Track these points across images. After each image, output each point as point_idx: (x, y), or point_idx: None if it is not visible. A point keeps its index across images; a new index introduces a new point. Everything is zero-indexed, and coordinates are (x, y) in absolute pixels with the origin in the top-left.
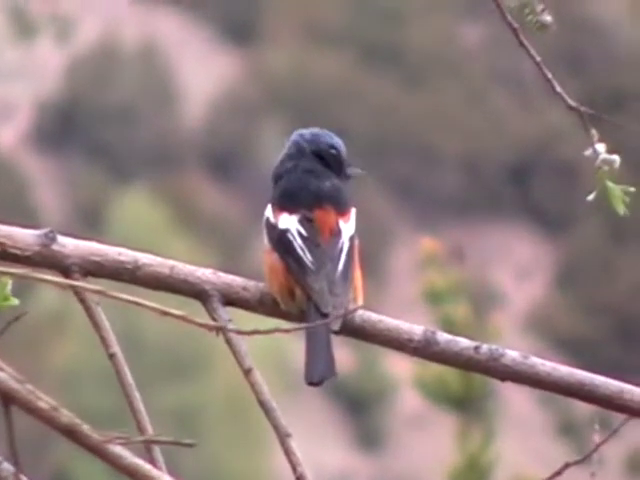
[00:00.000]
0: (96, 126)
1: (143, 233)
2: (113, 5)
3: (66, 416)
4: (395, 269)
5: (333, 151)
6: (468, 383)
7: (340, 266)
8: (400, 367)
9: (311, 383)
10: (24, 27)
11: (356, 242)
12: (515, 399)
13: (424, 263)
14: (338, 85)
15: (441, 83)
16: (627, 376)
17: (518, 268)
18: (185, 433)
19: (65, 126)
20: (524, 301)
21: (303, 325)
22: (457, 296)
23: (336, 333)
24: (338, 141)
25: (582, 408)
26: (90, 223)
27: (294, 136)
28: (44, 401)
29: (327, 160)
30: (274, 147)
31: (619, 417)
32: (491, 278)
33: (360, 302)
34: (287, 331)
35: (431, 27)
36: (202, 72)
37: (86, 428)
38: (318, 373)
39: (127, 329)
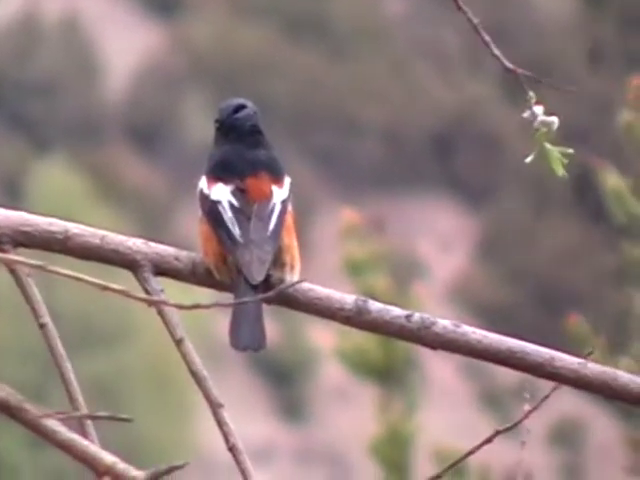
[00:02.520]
0: (18, 98)
1: (62, 204)
2: None
3: (2, 391)
4: (318, 240)
5: (253, 119)
6: (390, 354)
7: (270, 226)
8: (323, 339)
9: (237, 349)
10: None
11: (289, 207)
12: (438, 370)
13: (344, 234)
14: (262, 56)
15: (363, 54)
16: (550, 343)
17: (441, 239)
18: (107, 404)
19: None
20: (447, 272)
21: (243, 299)
22: (378, 267)
23: (268, 302)
24: (251, 106)
25: (505, 379)
26: (10, 194)
27: (221, 114)
28: None
29: (252, 128)
30: (197, 119)
31: (544, 388)
32: (414, 249)
33: (297, 271)
34: (227, 305)
35: None
36: (125, 44)
37: (24, 403)
38: (244, 341)
39: (48, 300)
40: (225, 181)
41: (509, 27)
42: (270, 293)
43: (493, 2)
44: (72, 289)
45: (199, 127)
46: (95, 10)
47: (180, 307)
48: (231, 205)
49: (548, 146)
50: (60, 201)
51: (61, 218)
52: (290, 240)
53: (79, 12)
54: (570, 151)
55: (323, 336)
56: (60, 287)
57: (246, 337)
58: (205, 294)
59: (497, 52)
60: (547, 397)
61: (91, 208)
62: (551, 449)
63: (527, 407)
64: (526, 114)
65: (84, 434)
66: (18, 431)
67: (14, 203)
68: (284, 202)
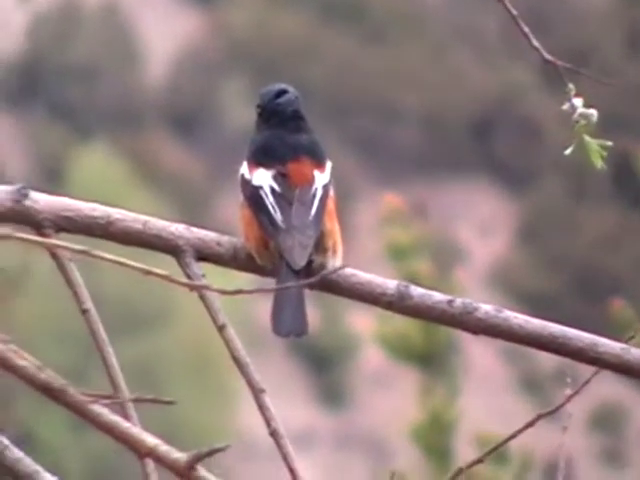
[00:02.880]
0: (58, 84)
1: (104, 190)
2: None
3: (46, 374)
4: (359, 226)
5: (296, 104)
6: (431, 339)
7: (312, 210)
8: (363, 324)
9: (279, 335)
10: None
11: (331, 192)
12: (478, 356)
13: (387, 219)
14: (300, 42)
15: (403, 40)
16: (590, 329)
17: (480, 224)
18: (147, 387)
19: (27, 84)
20: (487, 257)
21: (284, 285)
22: (420, 252)
23: (310, 288)
24: (293, 91)
25: (545, 364)
26: (52, 180)
27: (262, 98)
28: (27, 360)
29: (295, 113)
30: (235, 104)
31: (584, 373)
32: (454, 234)
33: (340, 256)
34: (269, 291)
35: None
36: (164, 30)
37: (69, 387)
38: (286, 326)
39: (89, 284)
40: (266, 166)
41: (548, 15)
42: (313, 279)
43: None
44: (114, 274)
45: (238, 113)
46: None
47: (223, 292)
48: (272, 190)
49: (587, 138)
50: (101, 187)
51: (102, 203)
52: (332, 225)
53: None
54: (609, 144)
55: (363, 322)
56: (102, 272)
57: (288, 323)
58: (246, 279)
59: (536, 43)
60: (588, 381)
61: (132, 194)
62: (592, 434)
63: (568, 391)
64: (565, 106)
65: (126, 417)
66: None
67: (55, 189)
68: (326, 187)
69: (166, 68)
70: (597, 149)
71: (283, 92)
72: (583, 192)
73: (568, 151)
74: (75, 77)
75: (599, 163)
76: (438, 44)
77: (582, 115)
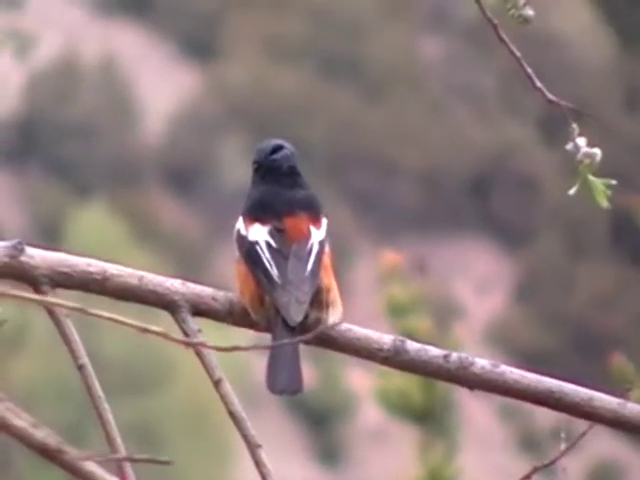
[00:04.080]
0: (56, 142)
1: (102, 248)
2: (73, 21)
3: (41, 433)
4: (356, 283)
5: (291, 160)
6: (429, 396)
7: (309, 266)
8: (361, 381)
9: (273, 392)
10: None
11: (327, 248)
12: (476, 413)
13: (386, 276)
14: (298, 99)
15: (400, 97)
16: (589, 386)
17: (478, 281)
18: (147, 446)
19: (25, 142)
20: (484, 314)
21: (281, 342)
22: (419, 309)
23: (306, 343)
24: (289, 146)
25: (543, 422)
26: (49, 238)
27: (259, 154)
28: (21, 418)
29: (291, 170)
30: (234, 162)
31: (579, 429)
32: (451, 291)
33: (338, 311)
34: (266, 347)
35: (390, 40)
36: (162, 87)
37: (63, 445)
38: (281, 384)
39: (85, 342)
40: (263, 221)
41: (545, 70)
42: (309, 335)
43: (528, 45)
44: (109, 332)
45: (236, 170)
46: (133, 52)
47: (219, 349)
48: (268, 245)
49: (591, 178)
50: (99, 245)
51: (100, 259)
52: (329, 280)
53: (117, 55)
54: (613, 182)
55: (360, 379)
56: (98, 330)
57: (283, 380)
58: (243, 335)
59: (539, 84)
60: (584, 435)
61: (130, 251)
62: None
63: (563, 446)
64: (569, 146)
65: (123, 476)
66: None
67: (55, 247)
68: (322, 242)
69: (164, 125)
70: (602, 188)
71: (279, 148)
72: (581, 249)
73: (573, 190)
74: (73, 135)
75: (604, 202)
76: (436, 101)
77: (586, 154)
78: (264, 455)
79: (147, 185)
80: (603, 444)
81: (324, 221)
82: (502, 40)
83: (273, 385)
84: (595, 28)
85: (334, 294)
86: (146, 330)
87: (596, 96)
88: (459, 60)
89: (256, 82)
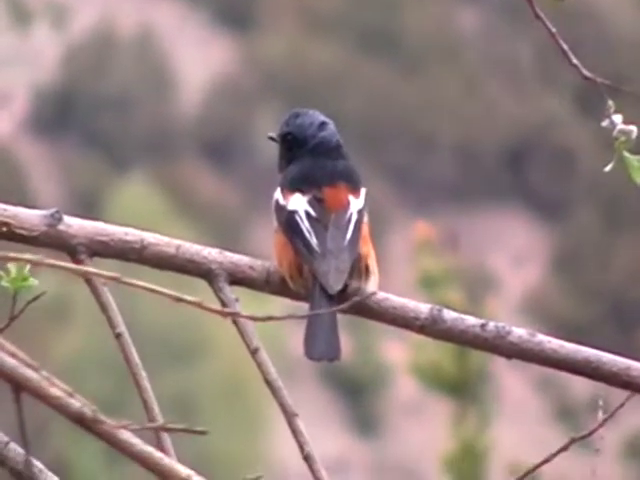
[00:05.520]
0: (93, 113)
1: (141, 220)
2: None
3: (77, 403)
4: (393, 254)
5: (331, 131)
6: (463, 368)
7: (348, 235)
8: (397, 353)
9: (311, 359)
10: (20, 15)
11: (365, 217)
12: (511, 384)
13: (418, 248)
14: (334, 72)
15: (437, 70)
16: (624, 357)
17: (514, 253)
18: (184, 416)
19: (62, 113)
20: (520, 286)
21: (316, 311)
22: (451, 281)
23: (343, 312)
24: (326, 119)
25: (579, 393)
26: (87, 210)
27: (292, 120)
28: (58, 387)
29: (329, 141)
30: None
31: (615, 402)
32: (488, 263)
33: (375, 280)
34: (302, 317)
35: (427, 14)
36: (198, 59)
37: (99, 414)
38: (318, 351)
39: (124, 312)
40: (303, 191)
41: (583, 44)
42: (345, 305)
43: (566, 18)
44: (148, 302)
45: (272, 142)
46: (169, 24)
47: (253, 319)
48: (308, 215)
49: (627, 155)
50: (137, 217)
51: (137, 229)
52: (367, 249)
53: (153, 27)
54: None
55: (396, 350)
56: (136, 300)
57: (321, 347)
58: (281, 304)
59: (575, 61)
60: (622, 405)
61: (168, 223)
62: (626, 463)
63: (601, 416)
64: (605, 123)
65: (160, 446)
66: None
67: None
68: (360, 211)
69: (200, 97)
70: (638, 165)
71: (324, 124)
72: (618, 222)
73: (608, 167)
74: (109, 107)
75: (639, 179)
76: (473, 74)
77: (622, 131)
78: (301, 424)
79: (184, 157)
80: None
81: (363, 191)
82: (537, 16)
83: (311, 352)
84: (633, 1)
85: (372, 263)
86: (180, 299)
87: (634, 70)
88: (496, 33)
89: (292, 54)
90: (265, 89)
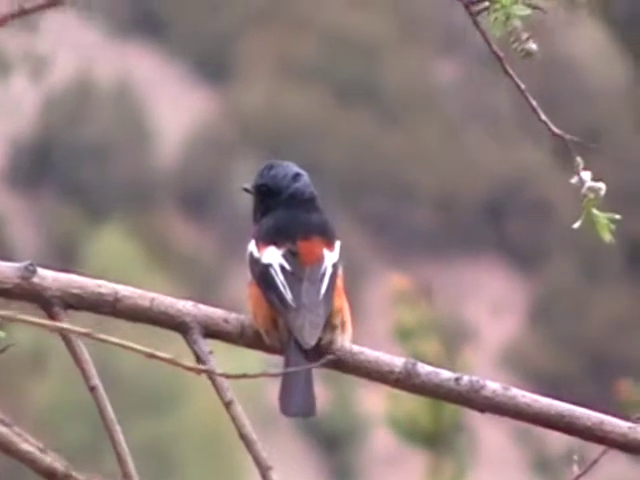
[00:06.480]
0: (71, 164)
1: (118, 271)
2: (87, 43)
3: (48, 458)
4: (369, 305)
5: (305, 183)
6: (439, 419)
7: (322, 289)
8: (374, 405)
9: (287, 415)
10: None
11: (340, 271)
12: (489, 435)
13: (394, 300)
14: (313, 122)
15: (416, 120)
16: (602, 411)
17: (492, 304)
18: (160, 468)
19: (40, 164)
20: (498, 337)
21: (290, 369)
22: (427, 332)
23: (321, 365)
24: (302, 173)
25: (556, 444)
26: (65, 261)
27: (260, 179)
28: (30, 443)
29: (303, 193)
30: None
31: (593, 453)
32: (465, 314)
33: (349, 334)
34: (274, 375)
35: (405, 64)
36: (176, 109)
37: (70, 470)
38: (294, 407)
39: (98, 362)
40: (277, 244)
41: (558, 94)
42: (320, 362)
43: (543, 69)
44: (123, 353)
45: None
46: (147, 75)
47: (227, 376)
48: (282, 268)
49: (595, 212)
50: (115, 267)
51: (111, 281)
52: (341, 302)
53: (131, 77)
54: (617, 217)
55: (373, 402)
56: (112, 351)
57: (296, 403)
58: (256, 356)
59: (544, 117)
60: (596, 461)
61: (145, 273)
62: None
63: (576, 470)
64: (574, 180)
65: None
66: None
67: (70, 270)
68: (335, 265)
69: (178, 147)
70: (605, 222)
71: (298, 175)
72: (595, 272)
73: (577, 224)
74: (87, 157)
75: (607, 237)
76: (452, 125)
77: (590, 188)
78: (275, 477)
79: (161, 207)
80: (617, 467)
81: (337, 244)
82: (507, 73)
83: (286, 408)
84: (609, 51)
85: (346, 316)
86: (153, 356)
87: (611, 119)
88: (475, 83)
89: (271, 104)
90: (243, 140)
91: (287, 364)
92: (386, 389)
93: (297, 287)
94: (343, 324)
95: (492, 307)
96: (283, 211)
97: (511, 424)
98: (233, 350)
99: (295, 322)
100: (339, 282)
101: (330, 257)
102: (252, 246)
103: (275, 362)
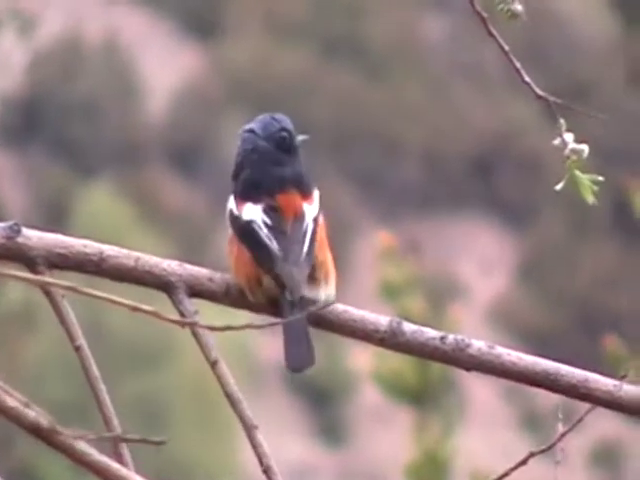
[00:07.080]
0: (59, 121)
1: (107, 228)
2: (75, 0)
3: (33, 413)
4: (357, 262)
5: (284, 134)
6: (425, 376)
7: (305, 248)
8: (362, 361)
9: (294, 370)
10: None
11: (321, 222)
12: (478, 392)
13: (380, 257)
14: (300, 78)
15: (403, 76)
16: (591, 367)
17: (482, 261)
18: (149, 424)
19: (28, 121)
20: (488, 294)
21: (275, 321)
22: (413, 290)
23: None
24: (284, 120)
25: (545, 401)
26: (54, 218)
27: (244, 131)
28: (14, 397)
29: (281, 145)
30: (236, 140)
31: (583, 409)
32: (454, 271)
33: (333, 286)
34: (260, 327)
35: (393, 20)
36: (164, 66)
37: (55, 425)
38: (300, 360)
39: (88, 320)
40: (255, 200)
41: (548, 49)
42: (303, 313)
43: (530, 25)
44: (111, 311)
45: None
46: (135, 32)
47: (212, 329)
48: (265, 223)
49: (578, 174)
50: (104, 225)
51: (99, 240)
52: (324, 255)
53: (120, 34)
54: (600, 179)
55: (361, 358)
56: (101, 309)
57: (301, 354)
58: (244, 315)
59: (528, 79)
60: (581, 419)
61: (134, 231)
62: (591, 472)
63: (561, 428)
64: (556, 142)
65: (118, 456)
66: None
67: (59, 229)
68: (315, 219)
69: (167, 104)
70: (588, 184)
71: (284, 129)
72: (584, 228)
73: (559, 186)
74: (76, 115)
75: (590, 198)
76: (439, 80)
77: (573, 150)
78: (260, 436)
79: (151, 164)
80: (605, 424)
81: (316, 194)
82: (491, 34)
83: (292, 363)
84: (599, 5)
85: (329, 268)
86: (137, 309)
87: (600, 72)
88: (462, 39)
89: (258, 60)
90: (232, 96)
91: (282, 317)
92: (373, 346)
93: (282, 239)
94: (326, 277)
95: (482, 264)
96: (259, 164)
97: (500, 382)
98: (223, 311)
99: (284, 270)
100: (321, 233)
101: (310, 211)
102: (231, 202)
103: (262, 319)
